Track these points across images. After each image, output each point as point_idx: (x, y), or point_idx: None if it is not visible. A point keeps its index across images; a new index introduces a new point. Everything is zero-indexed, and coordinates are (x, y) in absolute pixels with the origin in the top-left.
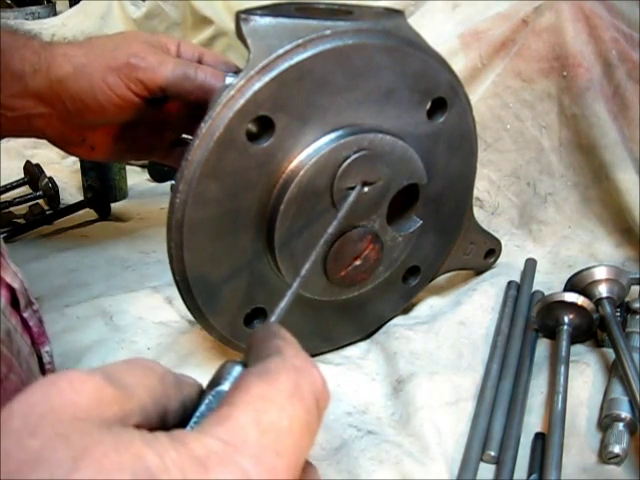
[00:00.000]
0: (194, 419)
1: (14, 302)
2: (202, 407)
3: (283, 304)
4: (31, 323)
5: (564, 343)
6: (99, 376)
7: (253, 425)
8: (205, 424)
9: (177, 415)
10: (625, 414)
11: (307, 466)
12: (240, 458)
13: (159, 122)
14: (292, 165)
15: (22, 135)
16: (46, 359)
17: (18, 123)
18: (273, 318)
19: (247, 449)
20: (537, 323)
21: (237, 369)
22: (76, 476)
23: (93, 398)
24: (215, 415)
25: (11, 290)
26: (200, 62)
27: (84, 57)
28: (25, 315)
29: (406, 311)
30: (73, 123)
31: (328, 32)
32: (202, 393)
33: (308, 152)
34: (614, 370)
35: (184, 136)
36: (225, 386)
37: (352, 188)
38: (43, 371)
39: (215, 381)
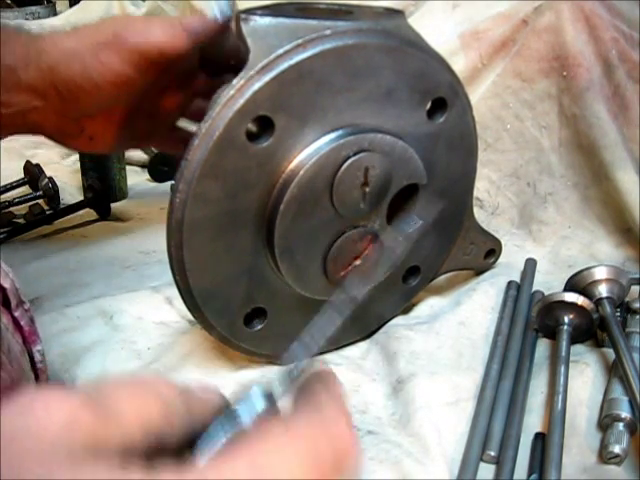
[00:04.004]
0: (199, 442)
1: (5, 302)
2: (211, 431)
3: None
4: (22, 322)
5: (564, 343)
6: (80, 399)
7: (247, 469)
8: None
9: (183, 439)
10: (625, 414)
11: None
12: None
13: (156, 108)
14: (292, 165)
15: (20, 132)
16: (37, 358)
17: (14, 119)
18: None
19: None
20: (537, 323)
21: (260, 403)
22: None
23: (65, 423)
24: (217, 455)
25: (2, 290)
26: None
27: (73, 41)
28: (16, 314)
29: (406, 311)
30: (70, 113)
31: (328, 32)
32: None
33: (308, 152)
34: (614, 370)
35: (180, 124)
36: (243, 417)
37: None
38: (35, 369)
39: (235, 405)
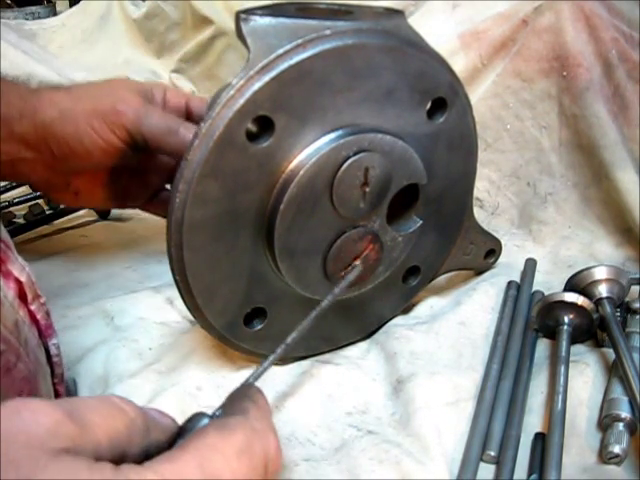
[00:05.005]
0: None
1: (21, 295)
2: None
3: (262, 368)
4: (38, 316)
5: (564, 343)
6: (61, 410)
7: (196, 469)
8: (154, 461)
9: (137, 459)
10: (625, 414)
11: None
12: None
13: (143, 171)
14: (292, 165)
15: (7, 179)
16: (53, 351)
17: (3, 167)
18: (251, 379)
19: None
20: (537, 323)
21: (204, 421)
22: None
23: (50, 430)
24: (166, 455)
25: (18, 283)
26: (188, 108)
27: (70, 102)
28: (32, 308)
29: (406, 311)
30: (58, 168)
31: (328, 32)
32: (173, 439)
33: (308, 152)
34: (614, 370)
35: (168, 187)
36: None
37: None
38: (50, 363)
39: (183, 431)
